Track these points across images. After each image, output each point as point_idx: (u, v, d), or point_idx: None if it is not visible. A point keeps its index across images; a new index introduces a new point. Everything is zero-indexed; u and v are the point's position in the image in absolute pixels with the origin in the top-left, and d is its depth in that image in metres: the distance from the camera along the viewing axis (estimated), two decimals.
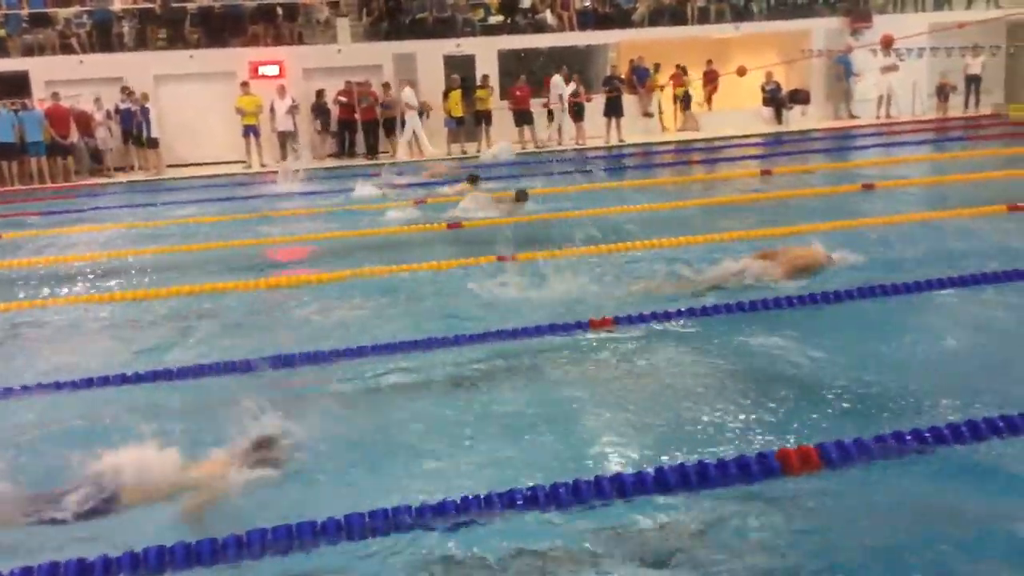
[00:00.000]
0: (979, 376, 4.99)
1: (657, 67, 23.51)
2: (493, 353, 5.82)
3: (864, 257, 7.44)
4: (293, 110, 21.31)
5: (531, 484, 3.79)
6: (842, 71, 24.11)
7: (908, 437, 4.03)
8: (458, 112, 21.82)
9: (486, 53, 23.16)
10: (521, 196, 11.91)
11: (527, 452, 4.42)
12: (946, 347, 5.54)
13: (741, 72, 21.71)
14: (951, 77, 24.12)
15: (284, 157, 21.33)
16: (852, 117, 24.06)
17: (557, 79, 22.14)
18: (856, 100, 24.25)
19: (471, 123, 22.10)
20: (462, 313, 6.89)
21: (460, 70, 22.32)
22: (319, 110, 21.92)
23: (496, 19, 24.16)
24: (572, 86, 22.05)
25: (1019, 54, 25.32)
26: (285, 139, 21.40)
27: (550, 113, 22.28)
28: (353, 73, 21.97)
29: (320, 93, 21.74)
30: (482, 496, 3.73)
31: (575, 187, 14.06)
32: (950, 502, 3.74)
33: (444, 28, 23.37)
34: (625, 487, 3.80)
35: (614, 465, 4.15)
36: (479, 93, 21.91)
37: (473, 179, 13.72)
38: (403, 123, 21.85)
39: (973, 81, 24.06)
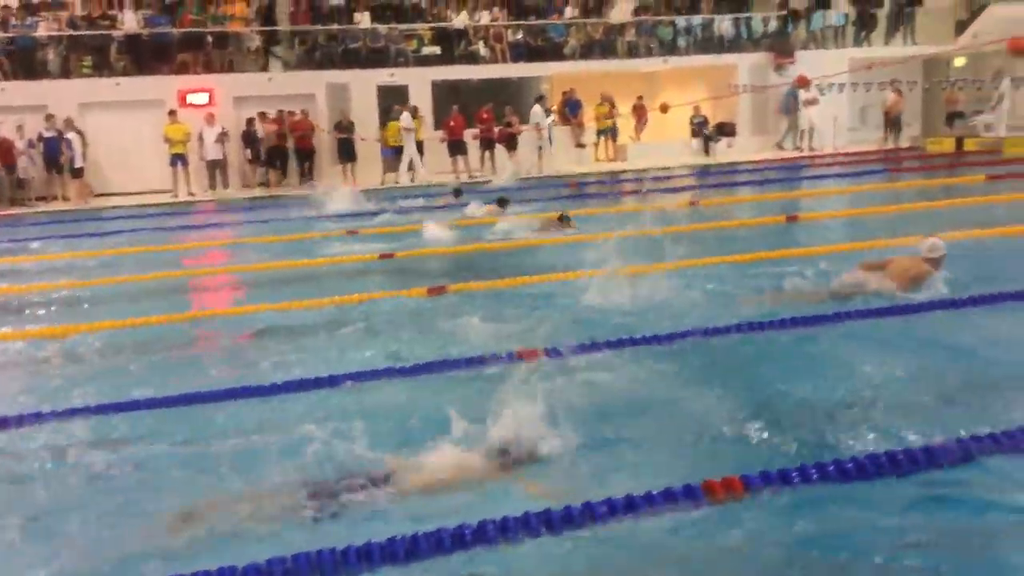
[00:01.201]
0: (889, 406, 5.12)
1: (602, 97, 23.77)
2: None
3: (788, 287, 7.67)
4: (223, 138, 21.07)
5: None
6: (792, 103, 24.59)
7: (830, 468, 4.13)
8: (396, 142, 21.84)
9: (419, 83, 23.26)
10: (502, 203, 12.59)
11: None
12: (860, 377, 5.65)
13: (664, 109, 22.13)
14: (873, 109, 24.88)
15: (212, 187, 21.07)
16: (797, 149, 24.49)
17: (537, 109, 22.36)
18: (795, 132, 24.77)
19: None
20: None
21: (394, 100, 22.35)
22: (249, 139, 21.71)
23: (430, 50, 24.29)
24: (553, 116, 22.25)
25: (935, 89, 26.30)
26: (214, 168, 21.14)
27: (482, 143, 22.41)
28: (285, 102, 21.84)
29: (250, 121, 21.54)
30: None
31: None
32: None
33: (378, 58, 23.42)
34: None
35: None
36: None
37: (503, 202, 13.79)
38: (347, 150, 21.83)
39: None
